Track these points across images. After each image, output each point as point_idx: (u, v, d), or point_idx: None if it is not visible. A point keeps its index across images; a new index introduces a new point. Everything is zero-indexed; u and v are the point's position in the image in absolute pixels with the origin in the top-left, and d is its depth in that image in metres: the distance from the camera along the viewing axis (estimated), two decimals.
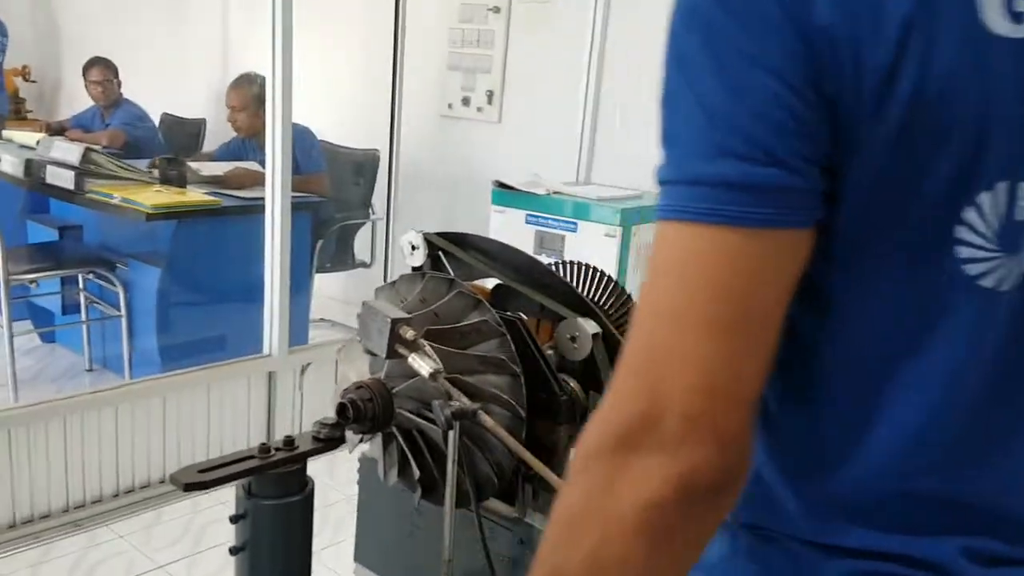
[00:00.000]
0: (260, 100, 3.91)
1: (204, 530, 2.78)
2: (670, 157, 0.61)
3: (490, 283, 1.57)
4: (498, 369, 1.30)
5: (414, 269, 1.61)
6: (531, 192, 3.65)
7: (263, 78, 3.85)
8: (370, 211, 4.64)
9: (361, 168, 4.58)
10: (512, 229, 3.68)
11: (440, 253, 1.60)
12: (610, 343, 1.39)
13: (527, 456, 1.16)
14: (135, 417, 2.87)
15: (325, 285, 4.77)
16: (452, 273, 1.57)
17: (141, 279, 3.51)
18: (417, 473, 1.31)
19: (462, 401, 1.15)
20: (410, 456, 1.31)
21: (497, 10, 4.65)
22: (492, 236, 3.69)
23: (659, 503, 0.56)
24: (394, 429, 1.32)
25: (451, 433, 1.16)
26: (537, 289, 1.46)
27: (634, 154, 4.11)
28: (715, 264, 0.57)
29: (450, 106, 4.86)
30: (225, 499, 2.94)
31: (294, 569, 1.27)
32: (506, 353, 1.31)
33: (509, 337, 1.31)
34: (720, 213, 0.57)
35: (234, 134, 4.41)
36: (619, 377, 0.60)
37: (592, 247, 3.46)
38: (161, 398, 2.93)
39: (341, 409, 1.29)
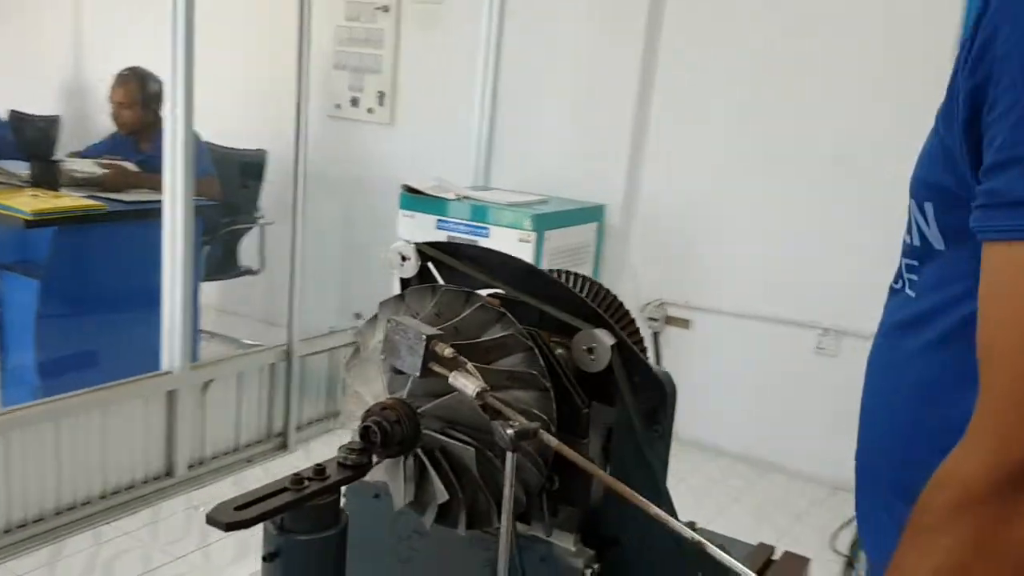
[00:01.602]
0: (148, 96, 3.65)
1: (111, 565, 2.55)
2: None
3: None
4: (526, 384, 1.24)
5: (403, 281, 1.53)
6: (440, 196, 3.58)
7: (151, 74, 3.61)
8: (258, 214, 4.44)
9: (248, 170, 4.36)
10: (422, 234, 3.60)
11: (430, 264, 1.52)
12: (624, 353, 1.36)
13: (596, 471, 1.12)
14: (25, 445, 2.60)
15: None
16: (443, 283, 1.50)
17: (15, 292, 3.18)
18: (445, 496, 1.24)
19: (519, 420, 1.09)
20: (435, 478, 1.24)
21: (386, 9, 4.54)
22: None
23: None
24: (419, 451, 1.24)
25: (510, 454, 1.10)
26: (541, 299, 1.41)
27: (533, 158, 4.12)
28: None
29: (338, 106, 4.71)
30: (128, 528, 2.72)
31: None
32: (535, 367, 1.26)
33: (537, 351, 1.26)
34: None
35: (106, 131, 4.09)
36: (1001, 413, 0.57)
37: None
38: (54, 423, 2.66)
39: (365, 432, 1.20)
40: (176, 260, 2.88)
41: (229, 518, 1.02)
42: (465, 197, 3.62)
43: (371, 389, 1.32)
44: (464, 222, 3.51)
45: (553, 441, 1.09)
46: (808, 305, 3.63)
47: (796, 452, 3.66)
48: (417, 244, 1.51)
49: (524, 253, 3.41)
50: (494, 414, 1.13)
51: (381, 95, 4.61)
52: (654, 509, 1.08)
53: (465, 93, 4.23)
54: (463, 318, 1.30)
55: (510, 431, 1.07)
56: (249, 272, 4.42)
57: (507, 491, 1.12)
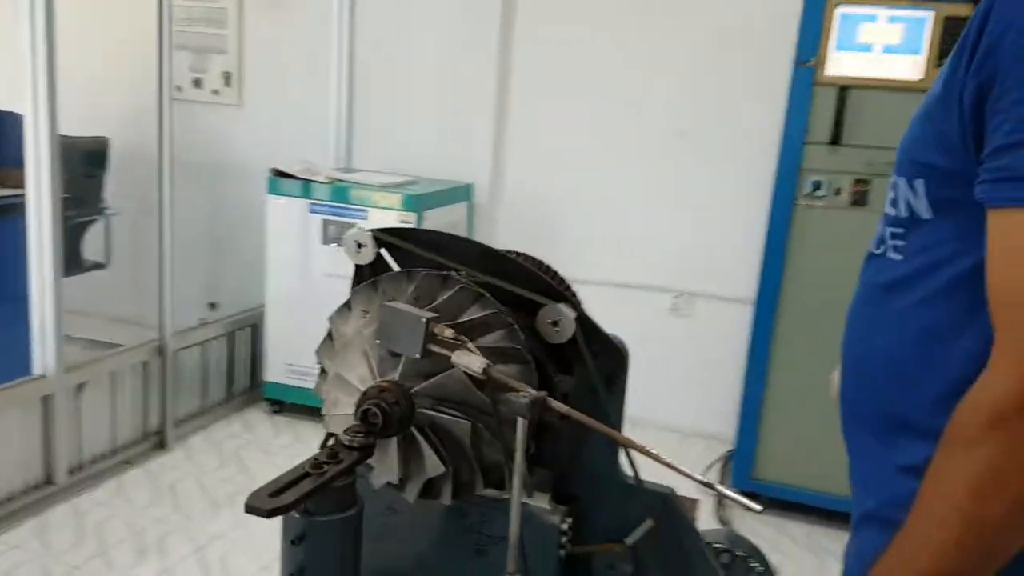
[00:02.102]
0: None
1: None
2: None
3: None
4: (509, 358, 1.33)
5: (358, 268, 1.57)
6: (312, 179, 3.54)
7: None
8: (102, 205, 4.20)
9: (90, 159, 4.11)
10: (293, 218, 3.56)
11: (383, 250, 1.57)
12: (584, 324, 1.48)
13: (606, 430, 1.23)
14: None
15: None
16: (397, 268, 1.55)
17: None
18: (441, 469, 1.31)
19: (526, 390, 1.18)
20: (429, 453, 1.31)
21: None
22: (270, 225, 3.54)
23: None
24: (413, 429, 1.31)
25: (521, 421, 1.18)
26: (501, 278, 1.49)
27: (395, 138, 4.15)
28: None
29: (179, 88, 4.50)
30: (17, 541, 2.57)
31: None
32: (517, 342, 1.35)
33: (516, 327, 1.35)
34: None
35: None
36: (1021, 344, 0.71)
37: None
38: None
39: (365, 415, 1.25)
40: (44, 260, 2.73)
41: (269, 504, 1.06)
42: (336, 179, 3.60)
43: (357, 374, 1.36)
44: (340, 205, 3.50)
45: (563, 408, 1.19)
46: (663, 271, 3.89)
47: (657, 406, 3.92)
48: (373, 231, 1.55)
49: None
50: (499, 387, 1.22)
51: (227, 76, 4.46)
52: (656, 454, 1.20)
53: (319, 73, 4.18)
54: (443, 300, 1.37)
55: (525, 399, 1.16)
56: (97, 267, 4.18)
57: (519, 456, 1.21)
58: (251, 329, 3.89)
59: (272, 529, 1.79)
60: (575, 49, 3.85)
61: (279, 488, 1.09)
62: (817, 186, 3.00)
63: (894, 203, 0.92)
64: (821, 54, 2.94)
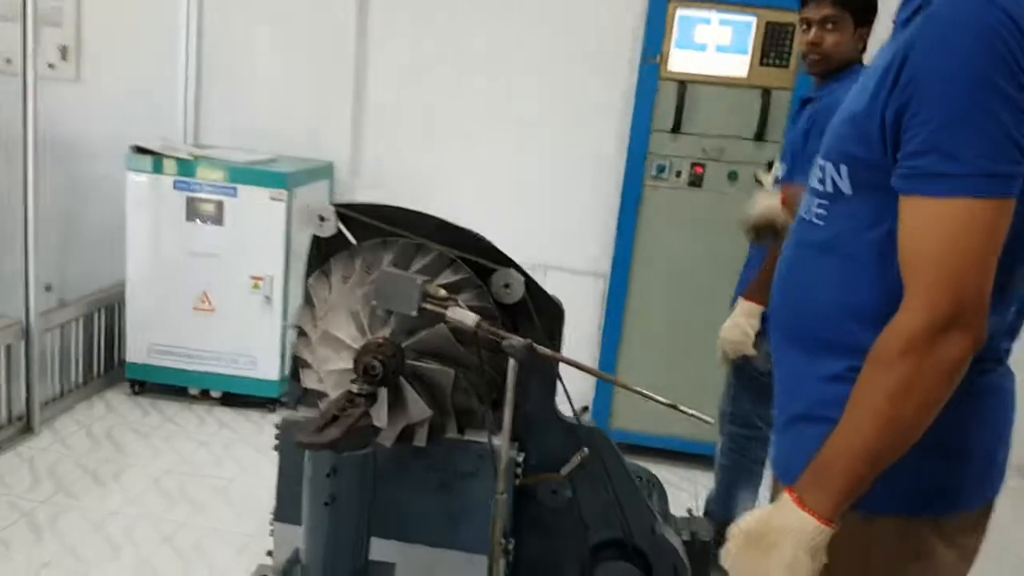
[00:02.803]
0: None
1: None
2: (964, 157, 0.98)
3: None
4: (481, 314, 1.55)
5: (318, 239, 1.73)
6: (177, 156, 3.53)
7: None
8: None
9: None
10: (158, 196, 3.53)
11: (342, 224, 1.73)
12: (530, 286, 1.73)
13: (588, 368, 1.47)
14: None
15: None
16: (354, 241, 1.72)
17: None
18: (429, 413, 1.51)
19: (513, 339, 1.40)
20: (416, 400, 1.51)
21: None
22: (130, 203, 3.50)
23: (964, 360, 1.01)
24: (401, 379, 1.50)
25: (513, 364, 1.40)
26: (457, 247, 1.70)
27: (248, 115, 4.15)
28: (1001, 219, 1.00)
29: (9, 61, 4.26)
30: None
31: (366, 511, 1.40)
32: (486, 301, 1.58)
33: (485, 288, 1.58)
34: (1006, 193, 0.99)
35: None
36: (928, 288, 1.01)
37: (256, 211, 3.52)
38: None
39: (366, 368, 1.43)
40: None
41: (322, 438, 1.23)
42: (201, 156, 3.60)
43: (346, 332, 1.54)
44: (207, 183, 3.51)
45: (548, 352, 1.43)
46: (519, 246, 4.17)
47: None
48: (336, 205, 1.71)
49: (277, 212, 3.53)
50: (486, 338, 1.44)
51: (64, 49, 4.28)
52: (612, 377, 1.47)
53: (166, 47, 4.11)
54: (421, 266, 1.57)
55: (520, 344, 1.39)
56: None
57: (509, 396, 1.44)
58: (107, 309, 3.80)
59: (169, 500, 1.90)
60: (433, 29, 4.02)
61: (323, 424, 1.27)
62: (662, 169, 3.39)
63: (821, 181, 1.20)
64: (664, 52, 3.32)
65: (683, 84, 3.32)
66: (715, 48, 3.33)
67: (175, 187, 3.53)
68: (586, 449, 1.72)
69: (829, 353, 1.18)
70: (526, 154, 4.07)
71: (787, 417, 1.26)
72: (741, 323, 2.52)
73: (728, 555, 1.12)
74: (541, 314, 1.73)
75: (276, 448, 1.73)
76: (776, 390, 1.31)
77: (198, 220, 3.54)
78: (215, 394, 3.73)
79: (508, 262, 1.72)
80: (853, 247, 1.15)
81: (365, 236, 1.70)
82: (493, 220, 4.13)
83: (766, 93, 3.29)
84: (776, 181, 2.66)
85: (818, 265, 1.20)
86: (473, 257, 1.67)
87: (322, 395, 1.62)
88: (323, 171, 4.01)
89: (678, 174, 3.40)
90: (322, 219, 1.70)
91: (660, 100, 3.35)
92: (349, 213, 1.71)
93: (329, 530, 1.34)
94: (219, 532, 2.74)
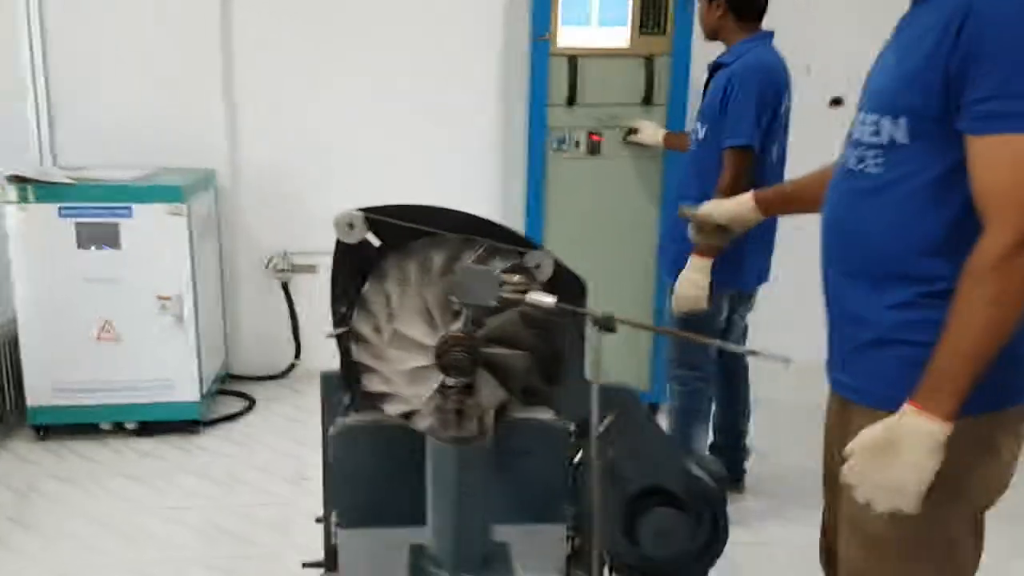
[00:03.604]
0: None
1: None
2: None
3: None
4: None
5: (346, 246, 1.74)
6: (57, 182, 3.28)
7: None
8: None
9: None
10: (42, 225, 3.29)
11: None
12: (557, 265, 1.82)
13: (676, 331, 1.58)
14: None
15: None
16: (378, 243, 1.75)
17: None
18: (504, 398, 1.58)
19: (594, 311, 1.49)
20: (490, 387, 1.57)
21: None
22: (12, 236, 3.29)
23: None
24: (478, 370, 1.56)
25: (597, 336, 1.49)
26: (486, 237, 1.76)
27: (114, 129, 3.92)
28: None
29: None
30: None
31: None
32: (535, 282, 1.66)
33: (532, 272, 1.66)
34: None
35: None
36: (1007, 209, 1.17)
37: (155, 229, 3.35)
38: None
39: (455, 363, 1.48)
40: None
41: (468, 432, 1.28)
42: (83, 179, 3.37)
43: (420, 331, 1.58)
44: (96, 206, 3.29)
45: (633, 321, 1.53)
46: None
47: None
48: (363, 211, 1.73)
49: (178, 227, 3.37)
50: (567, 313, 1.52)
51: None
52: (701, 338, 1.59)
53: (7, 61, 3.79)
54: (476, 258, 1.63)
55: (604, 316, 1.48)
56: None
57: (596, 369, 1.52)
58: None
59: (129, 539, 1.84)
60: (307, 19, 3.95)
61: (450, 423, 1.32)
62: (562, 141, 3.54)
63: (875, 134, 1.36)
64: (552, 29, 3.45)
65: (573, 58, 3.48)
66: (597, 22, 3.50)
67: (61, 214, 3.29)
68: (616, 410, 1.84)
69: (895, 284, 1.36)
70: (418, 137, 4.10)
71: (853, 346, 1.44)
72: (695, 279, 2.66)
73: (853, 470, 1.27)
74: (567, 290, 1.82)
75: (332, 456, 1.74)
76: (835, 324, 1.49)
77: (92, 246, 3.32)
78: (130, 425, 3.54)
79: (532, 244, 1.80)
80: (912, 187, 1.33)
81: (389, 237, 1.73)
82: (378, 203, 4.15)
83: (648, 60, 3.50)
84: (695, 141, 2.88)
85: (877, 207, 1.38)
86: (506, 245, 1.74)
87: (385, 396, 1.65)
88: (209, 179, 3.86)
89: (577, 144, 3.56)
90: (351, 226, 1.71)
91: (552, 75, 3.49)
92: (376, 217, 1.73)
93: (462, 520, 1.39)
94: (199, 561, 2.66)
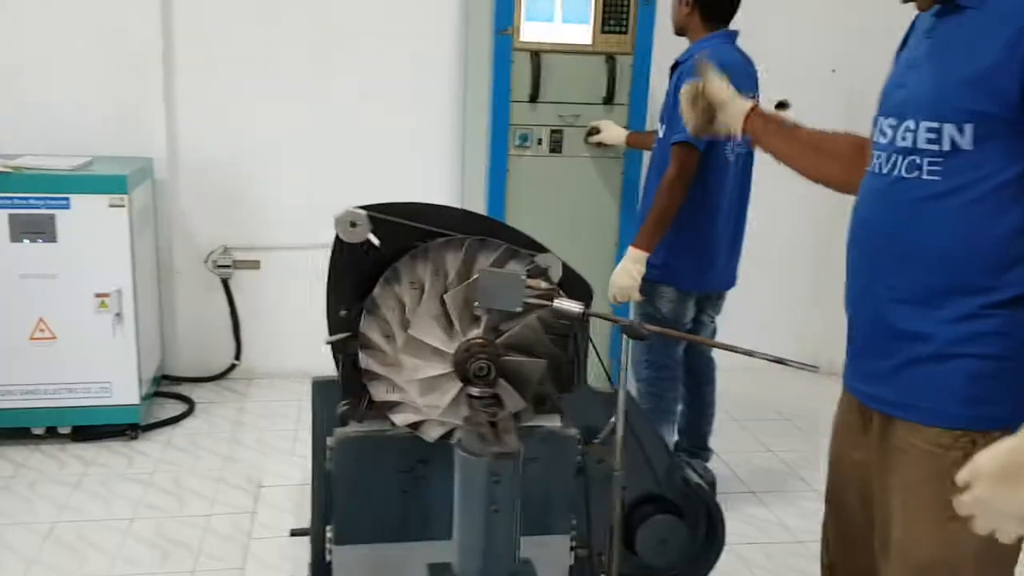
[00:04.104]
0: None
1: None
2: None
3: None
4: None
5: (347, 245, 1.65)
6: None
7: None
8: None
9: None
10: None
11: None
12: (564, 269, 1.77)
13: (693, 337, 1.53)
14: None
15: None
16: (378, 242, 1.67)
17: None
18: (523, 405, 1.52)
19: (627, 320, 1.44)
20: (512, 392, 1.51)
21: None
22: None
23: None
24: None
25: (629, 342, 1.44)
26: (489, 235, 1.70)
27: (46, 117, 3.68)
28: None
29: None
30: None
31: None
32: (551, 284, 1.61)
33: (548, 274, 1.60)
34: None
35: None
36: None
37: (95, 221, 3.15)
38: None
39: (478, 371, 1.41)
40: None
41: (507, 447, 1.22)
42: (16, 167, 3.14)
43: (436, 337, 1.50)
44: (32, 196, 3.08)
45: (656, 328, 1.49)
46: None
47: None
48: (366, 208, 1.64)
49: (119, 220, 3.18)
50: (585, 320, 1.47)
51: None
52: (735, 346, 1.56)
53: None
54: (493, 261, 1.57)
55: (635, 322, 1.43)
56: None
57: (623, 374, 1.48)
58: None
59: (78, 554, 1.74)
60: (253, 6, 3.78)
61: (487, 435, 1.25)
62: (525, 138, 3.49)
63: (934, 142, 1.31)
64: (515, 23, 3.39)
65: (536, 54, 3.42)
66: (561, 18, 3.45)
67: None
68: (615, 416, 1.81)
69: (957, 296, 1.31)
70: (367, 128, 3.98)
71: (902, 361, 1.36)
72: (629, 268, 2.73)
73: (978, 500, 1.14)
74: (574, 294, 1.77)
75: (332, 468, 1.65)
76: (874, 339, 1.42)
77: (27, 239, 3.10)
78: (63, 430, 3.33)
79: (540, 247, 1.74)
80: (978, 194, 1.28)
81: (390, 237, 1.65)
82: (328, 198, 3.96)
83: (610, 58, 3.47)
84: (657, 140, 2.87)
85: (939, 216, 1.32)
86: (514, 247, 1.68)
87: (394, 405, 1.57)
88: (145, 170, 3.66)
89: (539, 142, 3.51)
90: (354, 225, 1.62)
91: (516, 71, 3.43)
92: (379, 215, 1.64)
93: (491, 537, 1.33)
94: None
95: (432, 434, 1.55)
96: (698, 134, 1.88)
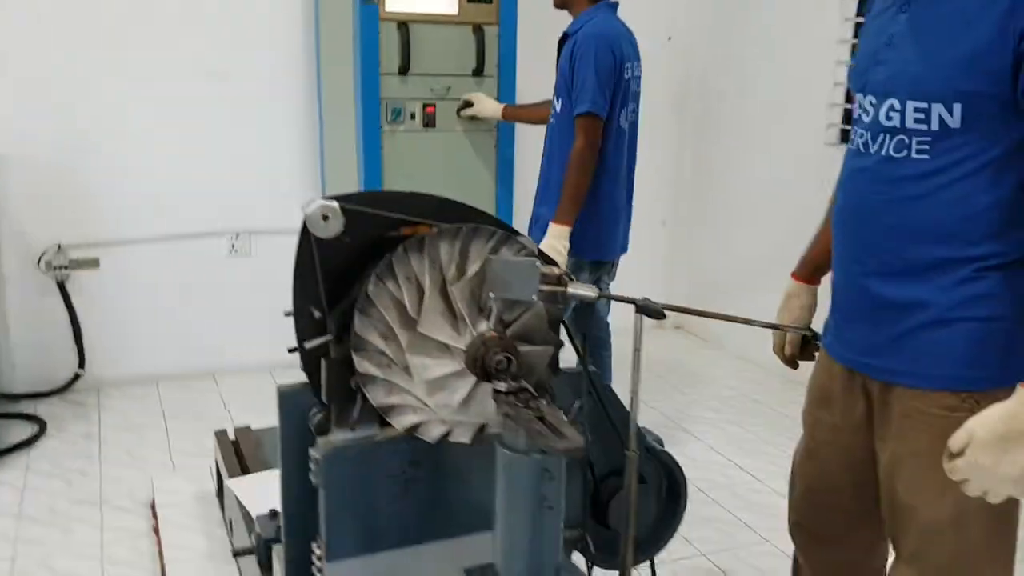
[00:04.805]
0: None
1: None
2: None
3: None
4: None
5: (318, 240, 1.52)
6: None
7: None
8: None
9: None
10: None
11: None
12: (540, 254, 1.72)
13: (721, 315, 1.51)
14: None
15: None
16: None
17: None
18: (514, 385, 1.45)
19: (643, 300, 1.41)
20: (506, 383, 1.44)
21: None
22: None
23: None
24: None
25: (640, 319, 1.40)
26: (465, 222, 1.62)
27: None
28: None
29: None
30: None
31: None
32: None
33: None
34: None
35: None
36: None
37: None
38: None
39: (498, 365, 1.34)
40: None
41: (572, 443, 1.16)
42: None
43: (445, 334, 1.42)
44: None
45: (672, 306, 1.46)
46: (218, 214, 3.81)
47: (232, 351, 3.91)
48: (337, 199, 1.51)
49: None
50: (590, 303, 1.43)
51: None
52: (748, 319, 1.56)
53: None
54: (491, 248, 1.50)
55: (644, 301, 1.41)
56: None
57: (635, 357, 1.45)
58: None
59: None
60: None
61: (544, 431, 1.19)
62: (398, 113, 3.36)
63: (922, 122, 1.33)
64: None
65: (404, 24, 3.29)
66: None
67: None
68: (583, 398, 1.79)
69: (950, 266, 1.35)
70: (210, 113, 3.70)
71: (902, 331, 1.39)
72: (555, 245, 2.72)
73: (969, 464, 1.17)
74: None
75: (319, 483, 1.53)
76: (867, 314, 1.45)
77: None
78: None
79: (514, 231, 1.68)
80: (967, 171, 1.32)
81: (362, 227, 1.53)
82: (179, 190, 3.72)
83: (478, 29, 3.41)
84: (554, 115, 2.86)
85: (927, 194, 1.35)
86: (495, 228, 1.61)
87: (392, 408, 1.47)
88: None
89: (412, 116, 3.40)
90: (325, 218, 1.49)
91: (384, 42, 3.28)
92: (353, 207, 1.52)
93: (539, 534, 1.27)
94: None
95: (433, 434, 1.46)
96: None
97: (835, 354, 1.55)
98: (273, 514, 2.06)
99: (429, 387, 1.42)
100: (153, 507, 2.71)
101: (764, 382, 4.00)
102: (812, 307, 1.73)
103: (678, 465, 1.98)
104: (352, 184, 3.44)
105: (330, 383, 1.49)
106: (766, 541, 2.70)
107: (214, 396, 3.75)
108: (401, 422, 1.46)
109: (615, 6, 2.89)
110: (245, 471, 2.45)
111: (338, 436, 1.52)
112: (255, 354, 3.89)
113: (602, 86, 2.71)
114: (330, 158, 3.77)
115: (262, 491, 2.28)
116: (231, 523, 2.40)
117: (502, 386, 1.33)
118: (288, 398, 1.63)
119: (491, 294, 1.39)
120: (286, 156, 3.86)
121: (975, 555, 1.42)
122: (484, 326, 1.42)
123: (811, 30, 3.87)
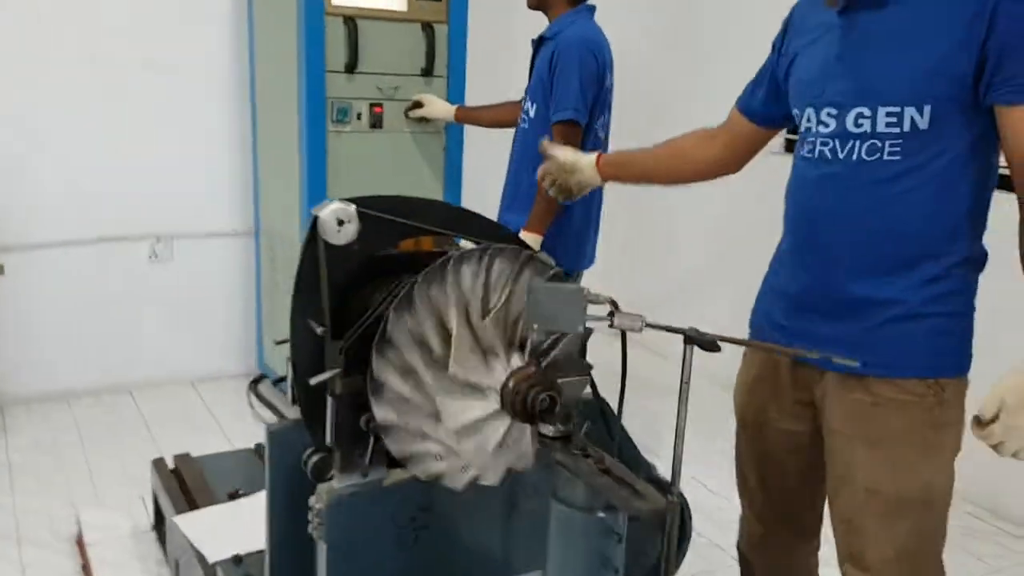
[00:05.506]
0: None
1: None
2: None
3: None
4: None
5: (331, 246, 1.35)
6: None
7: None
8: None
9: None
10: None
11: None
12: None
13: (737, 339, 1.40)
14: None
15: None
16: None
17: None
18: (561, 429, 1.32)
19: (689, 328, 1.29)
20: (540, 419, 1.31)
21: None
22: None
23: None
24: None
25: (690, 351, 1.28)
26: (471, 233, 1.49)
27: None
28: None
29: None
30: None
31: None
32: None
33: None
34: None
35: None
36: None
37: None
38: None
39: (550, 404, 1.20)
40: None
41: (651, 504, 1.03)
42: None
43: (477, 373, 1.27)
44: None
45: (725, 337, 1.34)
46: (138, 217, 3.52)
47: (150, 364, 3.62)
48: (350, 201, 1.35)
49: None
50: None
51: None
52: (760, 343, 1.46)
53: None
54: (516, 271, 1.36)
55: (695, 332, 1.29)
56: None
57: (682, 387, 1.32)
58: None
59: None
60: None
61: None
62: (344, 113, 3.16)
63: (893, 125, 1.38)
64: None
65: (351, 20, 3.10)
66: None
67: None
68: (588, 422, 1.68)
69: (923, 262, 1.42)
70: (125, 103, 3.41)
71: (873, 325, 1.45)
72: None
73: (1006, 427, 1.24)
74: None
75: (320, 536, 1.35)
76: (837, 313, 1.49)
77: None
78: None
79: (520, 243, 1.55)
80: (937, 168, 1.38)
81: (375, 237, 1.37)
82: (97, 192, 3.42)
83: (428, 27, 3.24)
84: (525, 119, 2.72)
85: (898, 194, 1.41)
86: (503, 245, 1.47)
87: (413, 457, 1.31)
88: None
89: (359, 116, 3.20)
90: (341, 223, 1.32)
91: (329, 38, 3.08)
92: (371, 213, 1.35)
93: None
94: None
95: (461, 482, 1.31)
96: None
97: (794, 356, 1.57)
98: (238, 560, 1.86)
99: (459, 433, 1.27)
100: (80, 543, 2.45)
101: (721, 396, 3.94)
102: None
103: (684, 498, 1.89)
104: (293, 187, 3.22)
105: (337, 425, 1.32)
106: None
107: (132, 413, 3.46)
108: (425, 471, 1.31)
109: (593, 9, 2.77)
110: (193, 505, 2.22)
111: (344, 484, 1.35)
112: (176, 367, 3.63)
113: (584, 93, 2.59)
114: (265, 158, 3.53)
115: (214, 530, 2.07)
116: (177, 564, 2.17)
117: (549, 430, 1.19)
118: (278, 438, 1.45)
119: (534, 325, 1.24)
120: (214, 154, 3.60)
121: (935, 533, 1.52)
122: (517, 359, 1.28)
123: (751, 38, 3.86)
